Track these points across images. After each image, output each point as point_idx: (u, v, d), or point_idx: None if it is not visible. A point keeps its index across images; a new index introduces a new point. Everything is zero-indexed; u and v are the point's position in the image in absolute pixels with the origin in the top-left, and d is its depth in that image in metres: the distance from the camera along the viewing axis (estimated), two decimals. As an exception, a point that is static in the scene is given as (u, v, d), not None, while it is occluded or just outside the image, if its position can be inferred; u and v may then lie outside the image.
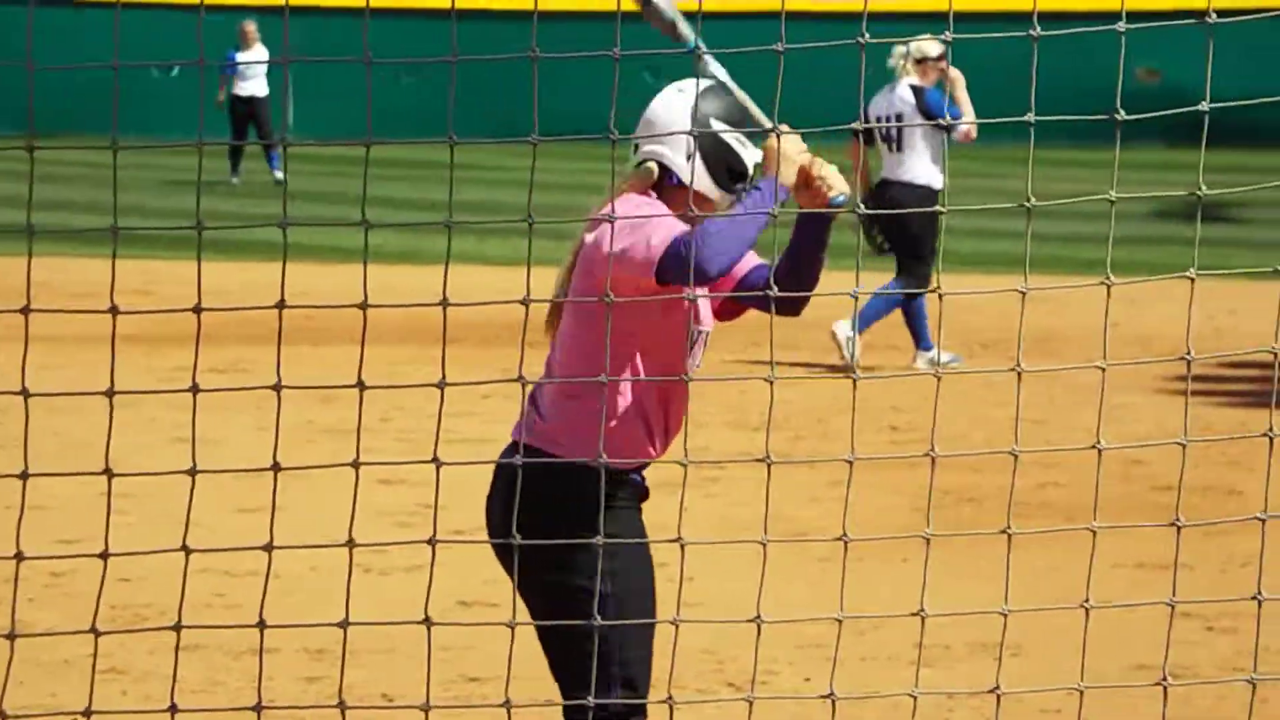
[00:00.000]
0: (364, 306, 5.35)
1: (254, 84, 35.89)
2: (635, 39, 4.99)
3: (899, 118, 18.34)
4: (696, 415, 6.63)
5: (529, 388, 6.09)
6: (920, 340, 18.48)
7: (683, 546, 5.67)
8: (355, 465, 5.34)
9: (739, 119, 6.52)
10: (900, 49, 18.77)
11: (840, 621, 5.89)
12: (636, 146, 6.49)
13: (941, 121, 18.21)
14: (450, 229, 5.56)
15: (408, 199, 30.81)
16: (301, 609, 7.95)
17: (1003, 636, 6.25)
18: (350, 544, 5.37)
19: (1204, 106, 5.81)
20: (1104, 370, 6.12)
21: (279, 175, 34.42)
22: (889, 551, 10.55)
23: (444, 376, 5.35)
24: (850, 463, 5.94)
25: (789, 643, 8.83)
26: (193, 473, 5.37)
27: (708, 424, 13.58)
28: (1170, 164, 28.19)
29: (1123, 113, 5.72)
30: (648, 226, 6.20)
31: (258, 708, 5.36)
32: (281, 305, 5.29)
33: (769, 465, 5.77)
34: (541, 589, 6.34)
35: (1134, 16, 5.94)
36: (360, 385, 5.20)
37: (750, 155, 6.50)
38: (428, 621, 5.48)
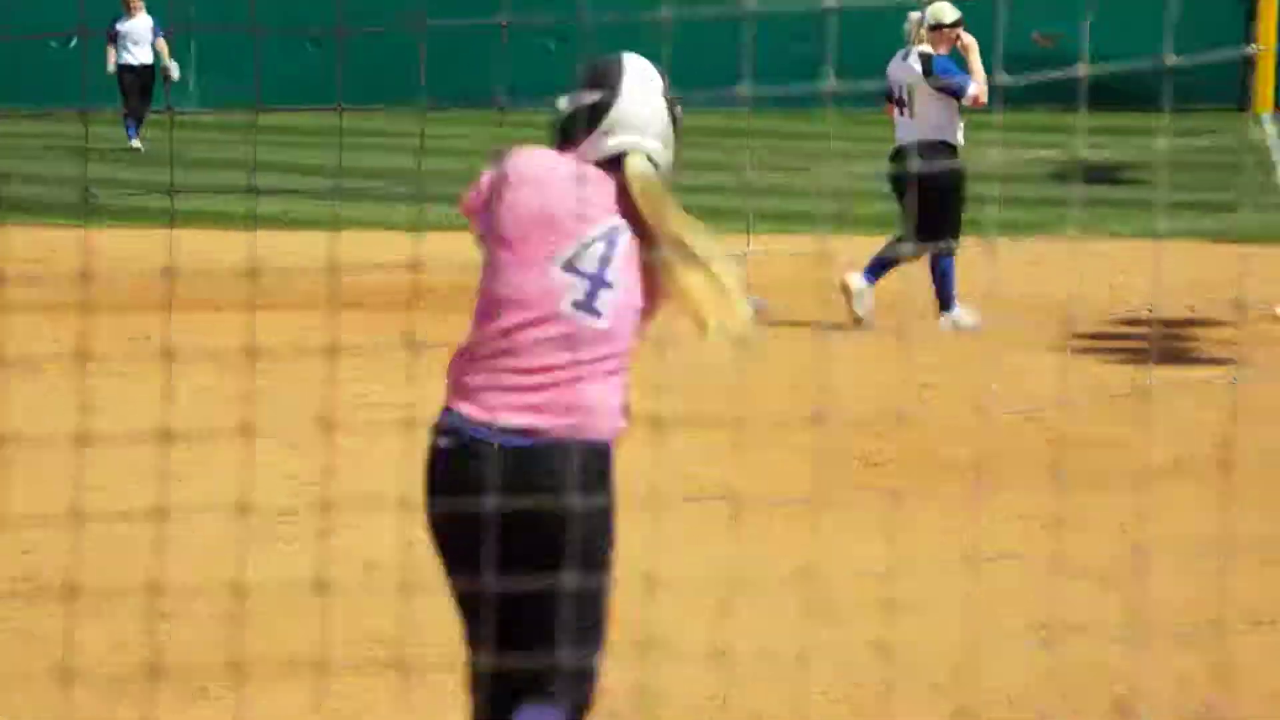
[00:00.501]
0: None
1: (141, 51, 36.18)
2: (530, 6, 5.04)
3: (910, 85, 18.56)
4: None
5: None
6: (947, 303, 18.62)
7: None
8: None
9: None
10: (915, 15, 18.93)
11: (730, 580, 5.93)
12: (595, 122, 6.56)
13: (943, 82, 18.38)
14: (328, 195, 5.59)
15: (315, 165, 30.73)
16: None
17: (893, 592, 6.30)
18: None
19: (1081, 71, 5.88)
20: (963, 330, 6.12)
21: (134, 143, 34.82)
22: (793, 511, 10.59)
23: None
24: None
25: (688, 602, 8.87)
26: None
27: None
28: (1061, 126, 28.29)
29: (1005, 75, 5.78)
30: None
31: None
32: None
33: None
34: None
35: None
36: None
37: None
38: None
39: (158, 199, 24.06)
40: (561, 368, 6.38)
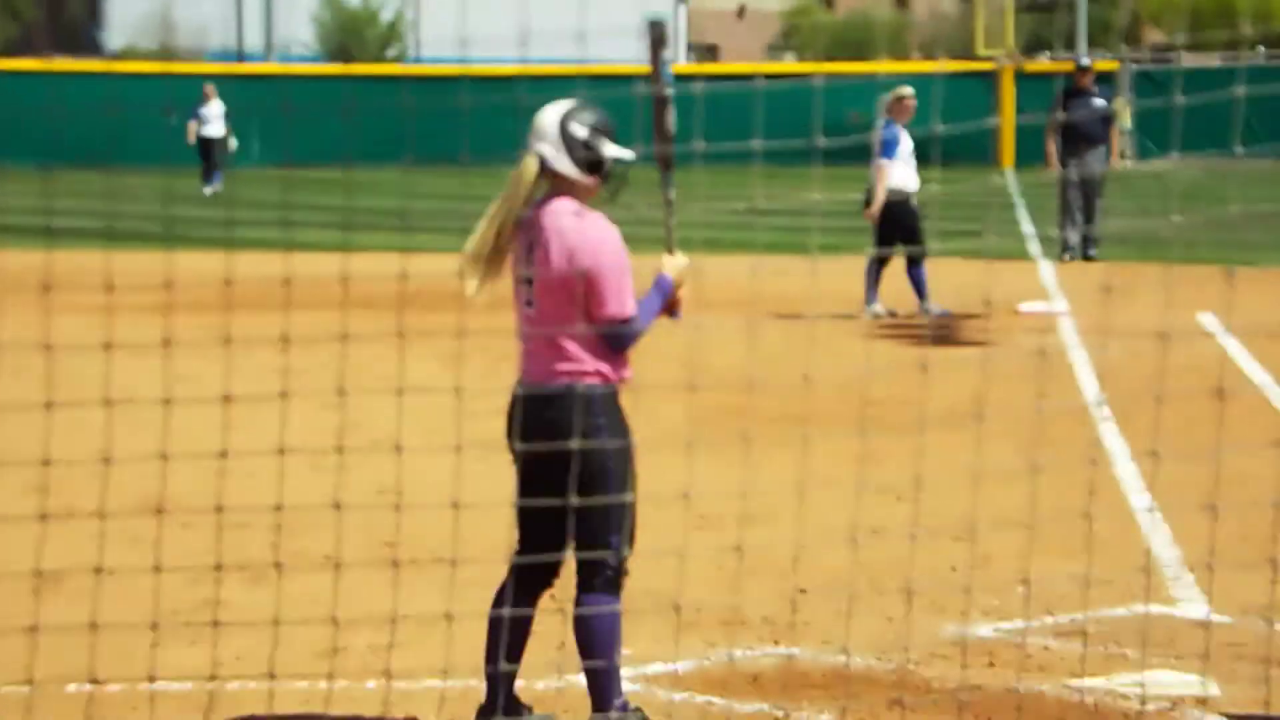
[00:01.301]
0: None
1: (212, 128, 37.36)
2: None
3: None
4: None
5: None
6: (922, 296, 19.03)
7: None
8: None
9: (601, 123, 6.50)
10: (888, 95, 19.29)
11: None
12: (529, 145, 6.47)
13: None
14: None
15: (330, 204, 30.55)
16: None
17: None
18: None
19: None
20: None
21: (207, 191, 36.13)
22: (679, 449, 10.54)
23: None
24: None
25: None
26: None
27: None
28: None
29: (823, 140, 5.81)
30: (626, 278, 6.37)
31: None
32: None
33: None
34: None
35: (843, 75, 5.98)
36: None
37: (609, 151, 6.48)
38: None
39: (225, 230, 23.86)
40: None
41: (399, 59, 60.60)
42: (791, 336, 16.82)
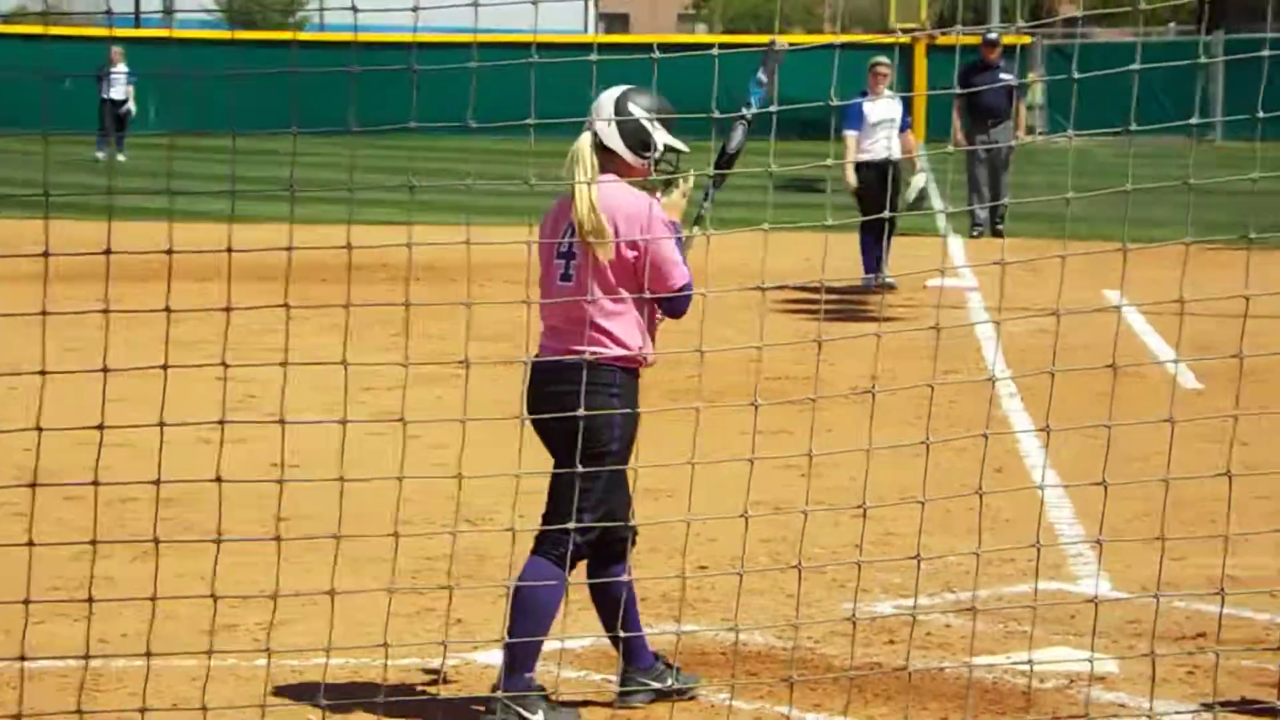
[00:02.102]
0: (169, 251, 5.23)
1: (116, 91, 37.10)
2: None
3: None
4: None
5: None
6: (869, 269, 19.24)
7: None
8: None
9: (658, 109, 6.74)
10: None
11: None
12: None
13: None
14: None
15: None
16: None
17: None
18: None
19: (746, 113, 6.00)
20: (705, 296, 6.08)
21: (101, 156, 36.11)
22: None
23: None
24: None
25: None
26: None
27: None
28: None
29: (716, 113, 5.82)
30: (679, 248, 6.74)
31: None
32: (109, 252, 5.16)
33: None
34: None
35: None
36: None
37: (660, 137, 6.73)
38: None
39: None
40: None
41: (302, 25, 60.22)
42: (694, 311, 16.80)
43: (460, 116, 6.27)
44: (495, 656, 7.42)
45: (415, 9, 5.81)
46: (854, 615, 6.90)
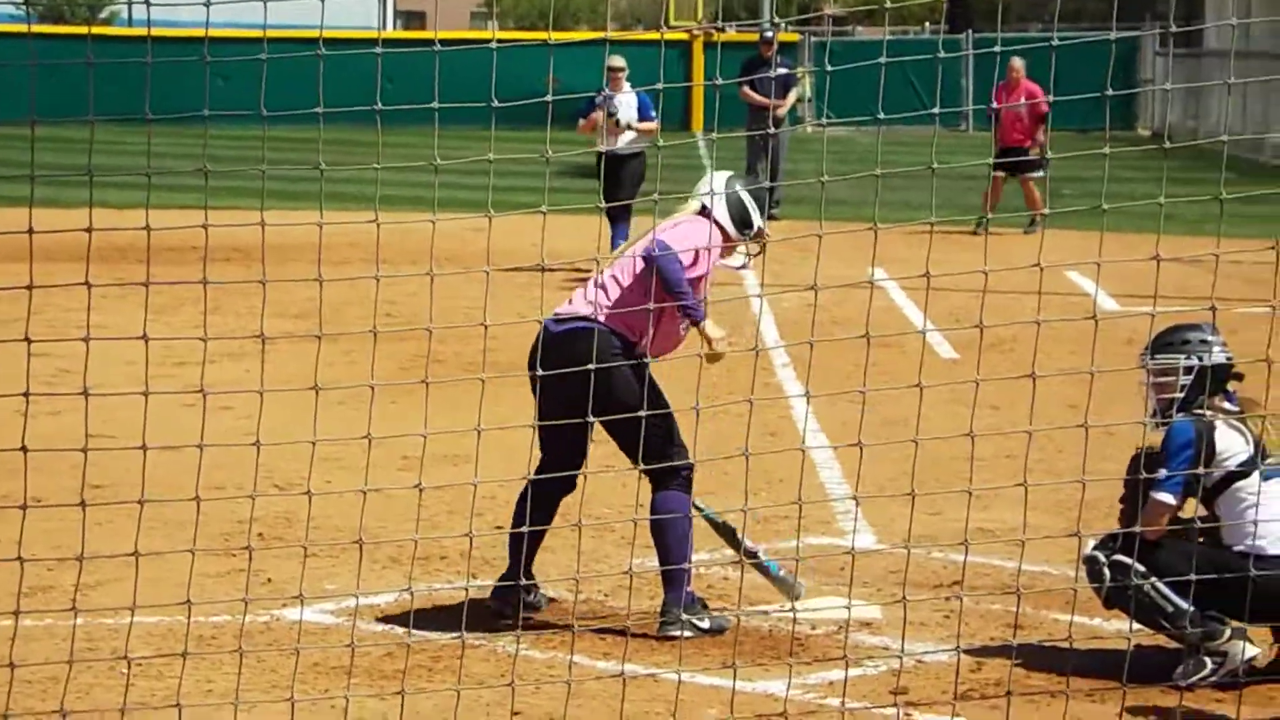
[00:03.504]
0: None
1: None
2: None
3: None
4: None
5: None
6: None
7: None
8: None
9: (756, 201, 7.71)
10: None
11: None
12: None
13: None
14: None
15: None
16: None
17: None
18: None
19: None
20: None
21: None
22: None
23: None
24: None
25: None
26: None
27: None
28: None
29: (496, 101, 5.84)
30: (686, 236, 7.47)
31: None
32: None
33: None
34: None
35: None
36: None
37: (756, 219, 7.67)
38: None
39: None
40: None
41: (111, 21, 59.16)
42: (504, 289, 16.79)
43: (257, 107, 6.26)
44: (306, 613, 7.42)
45: (207, 4, 5.78)
46: (630, 569, 6.96)
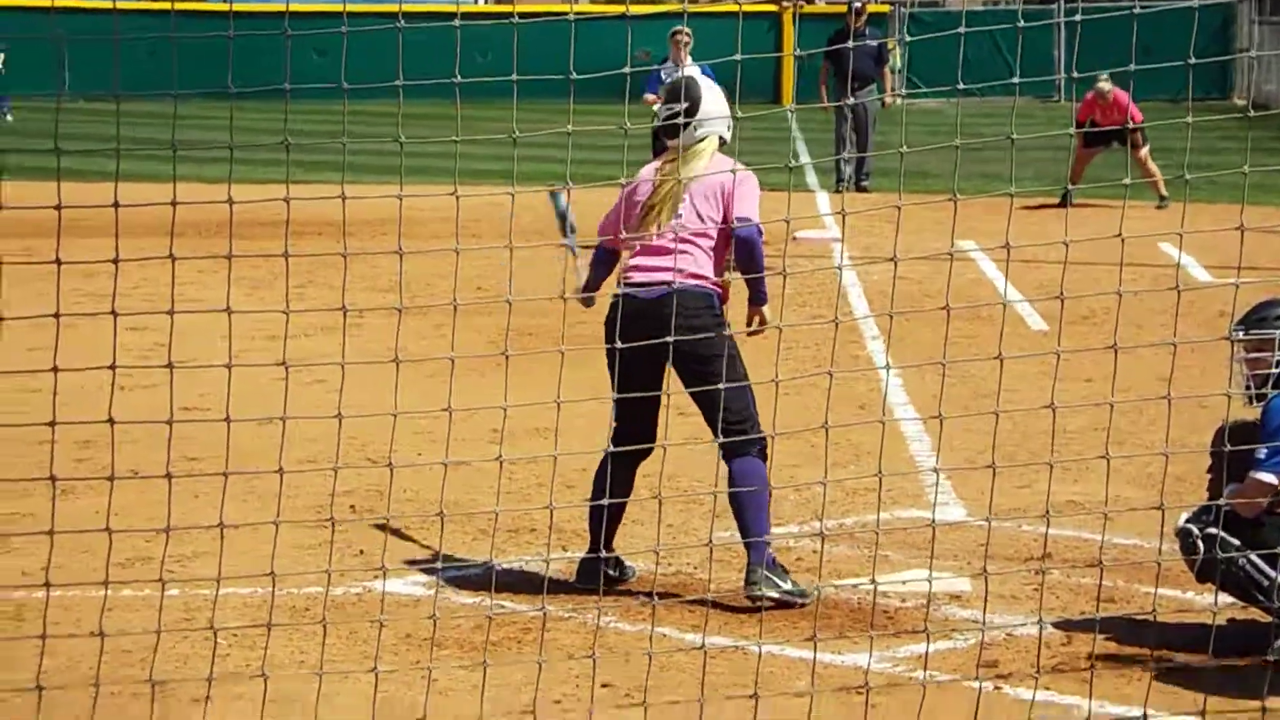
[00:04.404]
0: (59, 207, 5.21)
1: None
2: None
3: None
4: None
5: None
6: None
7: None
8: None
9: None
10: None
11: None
12: (690, 123, 7.40)
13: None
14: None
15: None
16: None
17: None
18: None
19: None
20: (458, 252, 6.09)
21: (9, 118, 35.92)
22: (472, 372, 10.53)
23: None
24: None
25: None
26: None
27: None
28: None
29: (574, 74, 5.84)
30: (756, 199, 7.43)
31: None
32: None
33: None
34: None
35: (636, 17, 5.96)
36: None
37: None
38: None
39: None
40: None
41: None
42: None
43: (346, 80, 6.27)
44: (393, 585, 7.47)
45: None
46: (710, 541, 6.96)
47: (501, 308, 6.08)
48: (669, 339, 6.74)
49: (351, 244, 6.54)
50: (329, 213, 15.88)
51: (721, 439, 7.15)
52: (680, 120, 7.38)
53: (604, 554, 7.30)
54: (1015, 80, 6.10)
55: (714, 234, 7.38)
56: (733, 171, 7.17)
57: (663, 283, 7.24)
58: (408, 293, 13.63)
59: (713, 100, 7.52)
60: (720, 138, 7.55)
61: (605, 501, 7.21)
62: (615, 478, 7.25)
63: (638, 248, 7.41)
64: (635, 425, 7.40)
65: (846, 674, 6.47)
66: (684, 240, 7.30)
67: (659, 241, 7.35)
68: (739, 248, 7.30)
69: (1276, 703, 6.06)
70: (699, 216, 7.36)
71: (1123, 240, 6.13)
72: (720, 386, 6.97)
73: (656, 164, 7.57)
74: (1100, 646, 6.64)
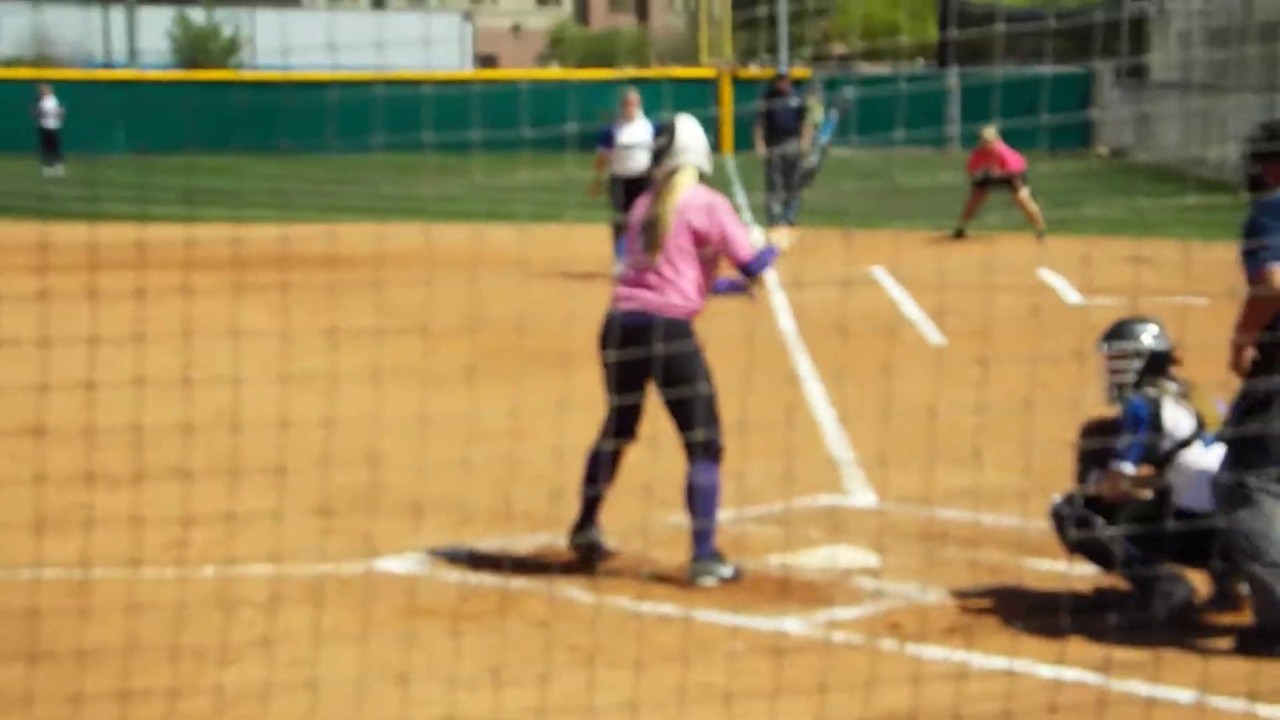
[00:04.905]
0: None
1: (49, 120, 36.83)
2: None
3: None
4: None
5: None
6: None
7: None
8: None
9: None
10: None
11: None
12: (664, 155, 7.28)
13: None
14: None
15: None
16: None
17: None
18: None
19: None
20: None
21: (47, 173, 35.35)
22: (462, 381, 10.45)
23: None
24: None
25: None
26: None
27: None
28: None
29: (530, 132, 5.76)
30: (741, 228, 7.27)
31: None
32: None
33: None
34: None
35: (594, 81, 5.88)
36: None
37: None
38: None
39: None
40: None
41: (238, 67, 59.28)
42: (549, 289, 16.81)
43: (364, 137, 6.22)
44: (393, 564, 7.42)
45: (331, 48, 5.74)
46: (641, 526, 6.92)
47: (484, 329, 6.03)
48: (643, 354, 6.83)
49: (359, 276, 6.50)
50: (333, 247, 15.83)
51: (687, 447, 7.14)
52: (663, 149, 7.36)
53: (592, 527, 7.35)
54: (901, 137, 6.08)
55: (691, 262, 7.24)
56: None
57: (641, 311, 7.17)
58: (412, 316, 13.61)
59: (691, 135, 7.39)
60: (700, 170, 7.41)
61: (599, 486, 7.27)
62: (603, 463, 7.28)
63: (629, 272, 7.32)
64: (625, 423, 7.34)
65: (775, 637, 6.43)
66: (664, 270, 7.20)
67: (640, 271, 7.25)
68: (755, 276, 7.31)
69: (1121, 653, 6.04)
70: (678, 248, 7.23)
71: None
72: (693, 394, 7.02)
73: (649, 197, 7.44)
74: (993, 609, 6.62)
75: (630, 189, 18.01)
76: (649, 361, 7.00)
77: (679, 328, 7.19)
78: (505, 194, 26.66)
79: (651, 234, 7.24)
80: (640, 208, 7.41)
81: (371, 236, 5.41)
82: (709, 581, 7.12)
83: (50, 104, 36.68)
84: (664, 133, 7.41)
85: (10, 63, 55.93)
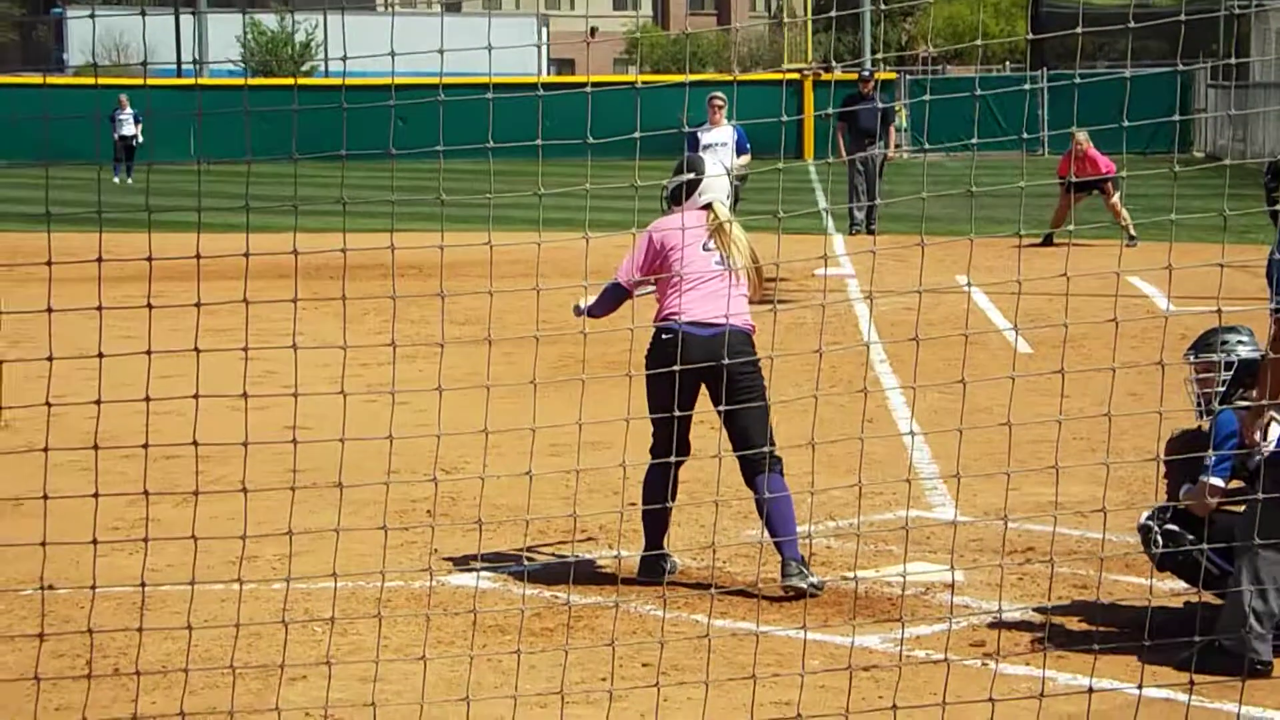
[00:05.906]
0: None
1: (126, 128, 37.26)
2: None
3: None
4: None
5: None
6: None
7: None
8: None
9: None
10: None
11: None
12: (683, 194, 7.63)
13: None
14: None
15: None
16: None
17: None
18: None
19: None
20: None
21: (116, 180, 36.04)
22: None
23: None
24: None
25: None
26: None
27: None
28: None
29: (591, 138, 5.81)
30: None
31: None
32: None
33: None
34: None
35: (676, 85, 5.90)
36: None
37: (683, 193, 7.70)
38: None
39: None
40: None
41: (311, 73, 59.82)
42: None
43: (435, 143, 6.27)
44: (461, 578, 7.46)
45: (391, 54, 5.80)
46: (714, 541, 6.95)
47: (558, 338, 6.06)
48: (717, 365, 6.93)
49: (432, 284, 6.55)
50: (413, 256, 15.93)
51: (752, 460, 7.19)
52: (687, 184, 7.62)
53: (663, 551, 7.40)
54: (1019, 137, 6.05)
55: (739, 283, 7.50)
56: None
57: (718, 323, 7.30)
58: (480, 326, 13.67)
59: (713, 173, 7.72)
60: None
61: (658, 506, 7.30)
62: (666, 484, 7.29)
63: (687, 287, 7.41)
64: (682, 439, 7.39)
65: (856, 654, 6.42)
66: (737, 288, 7.43)
67: (712, 285, 7.41)
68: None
69: (1203, 679, 5.99)
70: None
71: (1065, 274, 6.08)
72: (755, 406, 7.11)
73: (676, 218, 7.49)
74: (1075, 626, 6.59)
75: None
76: (710, 373, 7.08)
77: (749, 339, 7.34)
78: (578, 199, 26.78)
79: (730, 255, 7.55)
80: (674, 230, 7.45)
81: (440, 243, 5.45)
82: (808, 581, 7.14)
83: (128, 113, 37.31)
84: (687, 168, 7.68)
85: (83, 70, 56.63)
